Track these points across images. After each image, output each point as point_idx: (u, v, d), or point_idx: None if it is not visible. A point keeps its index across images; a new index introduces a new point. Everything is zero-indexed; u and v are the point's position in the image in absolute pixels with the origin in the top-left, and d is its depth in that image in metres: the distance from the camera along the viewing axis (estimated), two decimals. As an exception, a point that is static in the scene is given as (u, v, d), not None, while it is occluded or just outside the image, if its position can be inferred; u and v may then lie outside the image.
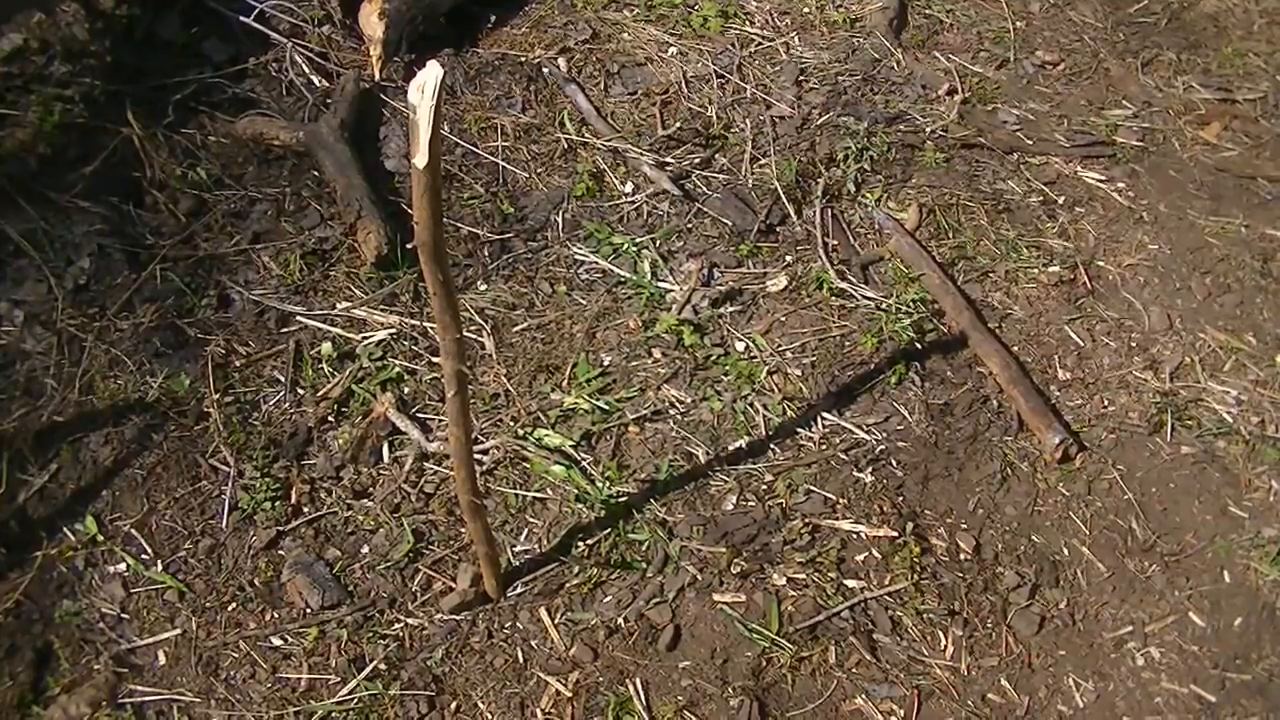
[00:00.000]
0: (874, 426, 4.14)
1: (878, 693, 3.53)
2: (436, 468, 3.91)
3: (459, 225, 4.55)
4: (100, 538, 3.65)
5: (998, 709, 3.58)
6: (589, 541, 3.76)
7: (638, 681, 3.49)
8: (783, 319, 4.39)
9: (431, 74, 2.26)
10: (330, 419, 4.00)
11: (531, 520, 3.82)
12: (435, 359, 4.12)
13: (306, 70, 4.97)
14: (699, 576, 3.69)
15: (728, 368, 4.23)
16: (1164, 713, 3.60)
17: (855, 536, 3.84)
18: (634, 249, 4.56)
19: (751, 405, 4.13)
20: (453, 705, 3.44)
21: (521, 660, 3.52)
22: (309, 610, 3.57)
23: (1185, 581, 3.90)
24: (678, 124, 5.03)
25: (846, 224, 4.77)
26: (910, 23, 5.76)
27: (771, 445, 4.05)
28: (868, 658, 3.59)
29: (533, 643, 3.56)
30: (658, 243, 4.59)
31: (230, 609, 3.57)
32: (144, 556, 3.64)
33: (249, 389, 4.04)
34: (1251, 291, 4.66)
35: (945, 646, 3.67)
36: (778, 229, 4.72)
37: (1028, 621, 3.74)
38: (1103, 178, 5.06)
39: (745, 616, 3.62)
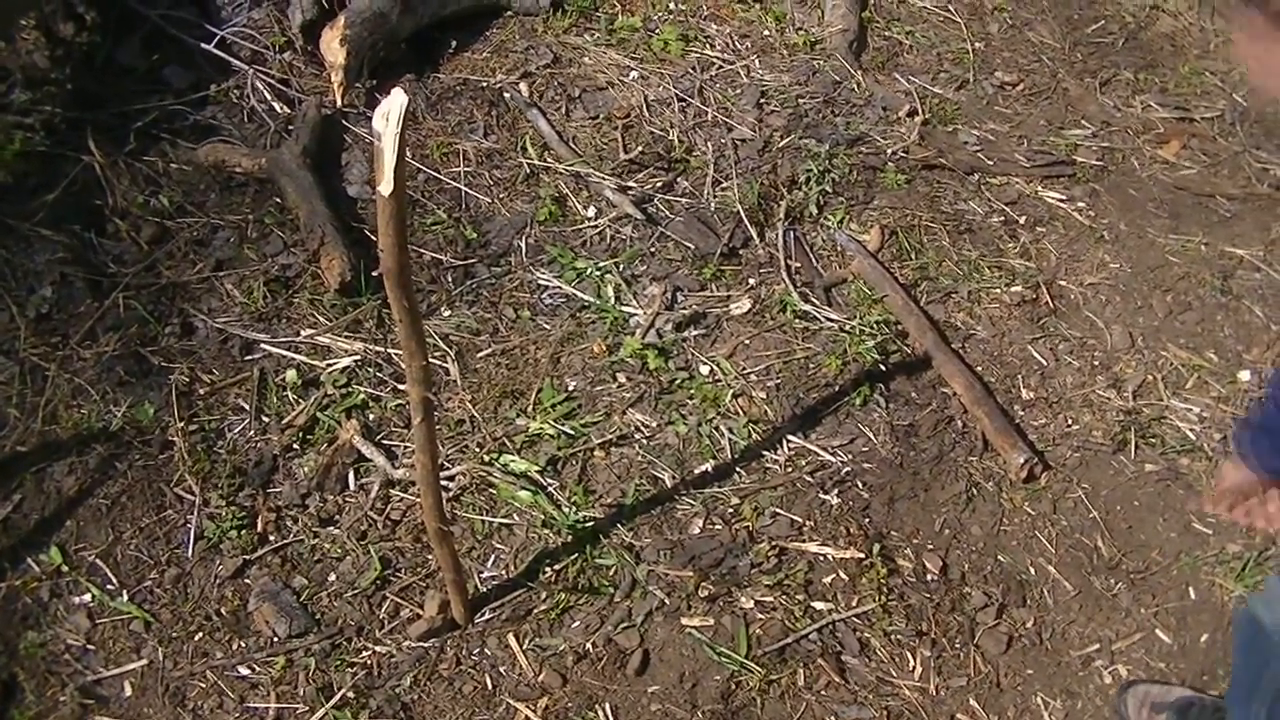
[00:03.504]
0: (839, 448, 4.14)
1: (847, 714, 3.53)
2: (403, 494, 3.90)
3: (422, 251, 4.54)
4: (65, 568, 3.63)
5: (967, 729, 3.60)
6: (556, 567, 3.75)
7: (607, 707, 3.48)
8: (747, 342, 4.40)
9: (396, 101, 2.26)
10: (295, 446, 3.99)
11: (499, 546, 3.81)
12: (400, 385, 4.11)
13: (268, 97, 4.96)
14: (667, 601, 3.69)
15: (692, 391, 4.23)
16: (1132, 730, 3.62)
17: (822, 559, 3.84)
18: (597, 273, 4.56)
19: (717, 429, 4.14)
20: (422, 733, 3.44)
21: (490, 687, 3.51)
22: (276, 639, 3.56)
23: (1151, 599, 3.92)
24: (640, 148, 5.03)
25: (809, 246, 4.78)
26: (870, 45, 5.79)
27: (737, 468, 4.05)
28: (836, 679, 3.59)
29: (501, 669, 3.55)
30: (621, 267, 4.59)
31: (197, 638, 3.55)
32: (109, 586, 3.62)
33: (213, 417, 4.03)
34: (1212, 309, 4.70)
35: (914, 667, 3.67)
36: (740, 252, 4.72)
37: (995, 641, 3.75)
38: (1063, 197, 5.09)
39: (713, 640, 3.62)
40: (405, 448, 3.99)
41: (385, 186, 2.32)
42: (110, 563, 3.67)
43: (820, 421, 4.21)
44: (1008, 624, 3.80)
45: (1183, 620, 3.87)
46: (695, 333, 4.41)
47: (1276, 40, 2.32)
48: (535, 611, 3.66)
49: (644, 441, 4.09)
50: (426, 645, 3.58)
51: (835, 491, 4.01)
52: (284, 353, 4.20)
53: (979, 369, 4.41)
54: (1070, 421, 4.31)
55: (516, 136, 5.04)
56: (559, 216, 4.75)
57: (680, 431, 4.11)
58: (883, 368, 4.36)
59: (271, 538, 3.78)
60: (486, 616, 3.65)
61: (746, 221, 4.77)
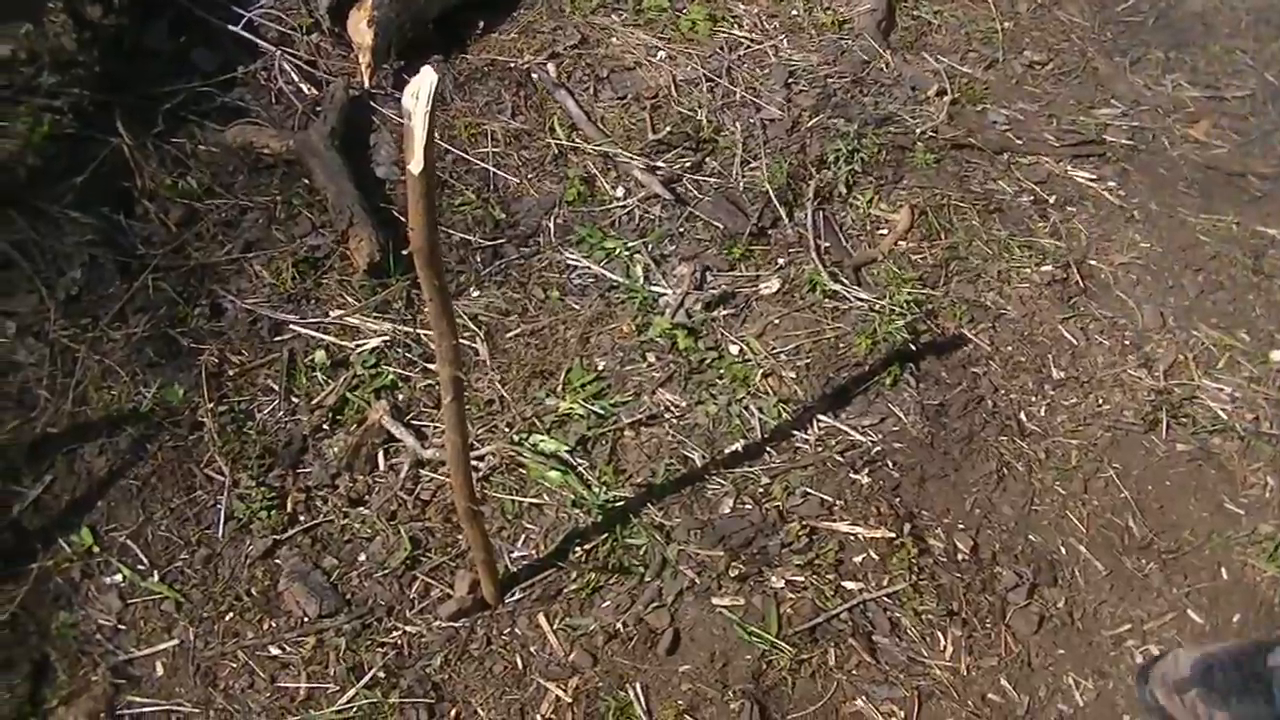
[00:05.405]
0: (869, 428, 4.13)
1: (878, 694, 3.52)
2: (432, 475, 3.90)
3: (451, 231, 4.53)
4: (96, 549, 3.64)
5: (998, 709, 3.57)
6: (586, 546, 3.75)
7: (638, 686, 3.48)
8: (776, 321, 4.38)
9: (426, 79, 2.24)
10: (325, 427, 3.99)
11: (529, 526, 3.81)
12: (429, 365, 4.11)
13: (295, 78, 4.96)
14: (697, 580, 3.69)
15: (722, 371, 4.22)
16: (1164, 710, 3.61)
17: (853, 538, 3.83)
18: (626, 253, 4.55)
19: (747, 408, 4.13)
20: (452, 712, 3.43)
21: (521, 666, 3.51)
22: (307, 619, 3.56)
23: (1183, 579, 3.90)
24: (668, 128, 5.02)
25: (838, 226, 4.76)
26: (898, 24, 5.76)
27: (767, 448, 4.04)
28: (867, 659, 3.58)
29: (532, 649, 3.55)
30: (650, 247, 4.58)
31: (228, 619, 3.56)
32: (140, 567, 3.63)
33: (243, 398, 4.03)
34: (1244, 289, 4.67)
35: (945, 647, 3.66)
36: (770, 232, 4.70)
37: (1026, 621, 3.74)
38: (1093, 176, 5.05)
39: (744, 620, 3.61)
40: (435, 428, 3.99)
41: (415, 164, 2.30)
42: (141, 543, 3.67)
43: (850, 401, 4.20)
44: (1039, 604, 3.79)
45: (1215, 600, 3.85)
46: (724, 312, 4.40)
47: None
48: (565, 591, 3.66)
49: (674, 421, 4.08)
50: (457, 625, 3.58)
51: (866, 471, 4.00)
52: (313, 333, 4.20)
53: (1009, 348, 4.39)
54: (1101, 401, 4.29)
55: (544, 117, 5.02)
56: (587, 197, 4.74)
57: (710, 411, 4.10)
58: (913, 347, 4.33)
59: (301, 518, 3.79)
60: (517, 596, 3.64)
61: (775, 201, 4.75)
